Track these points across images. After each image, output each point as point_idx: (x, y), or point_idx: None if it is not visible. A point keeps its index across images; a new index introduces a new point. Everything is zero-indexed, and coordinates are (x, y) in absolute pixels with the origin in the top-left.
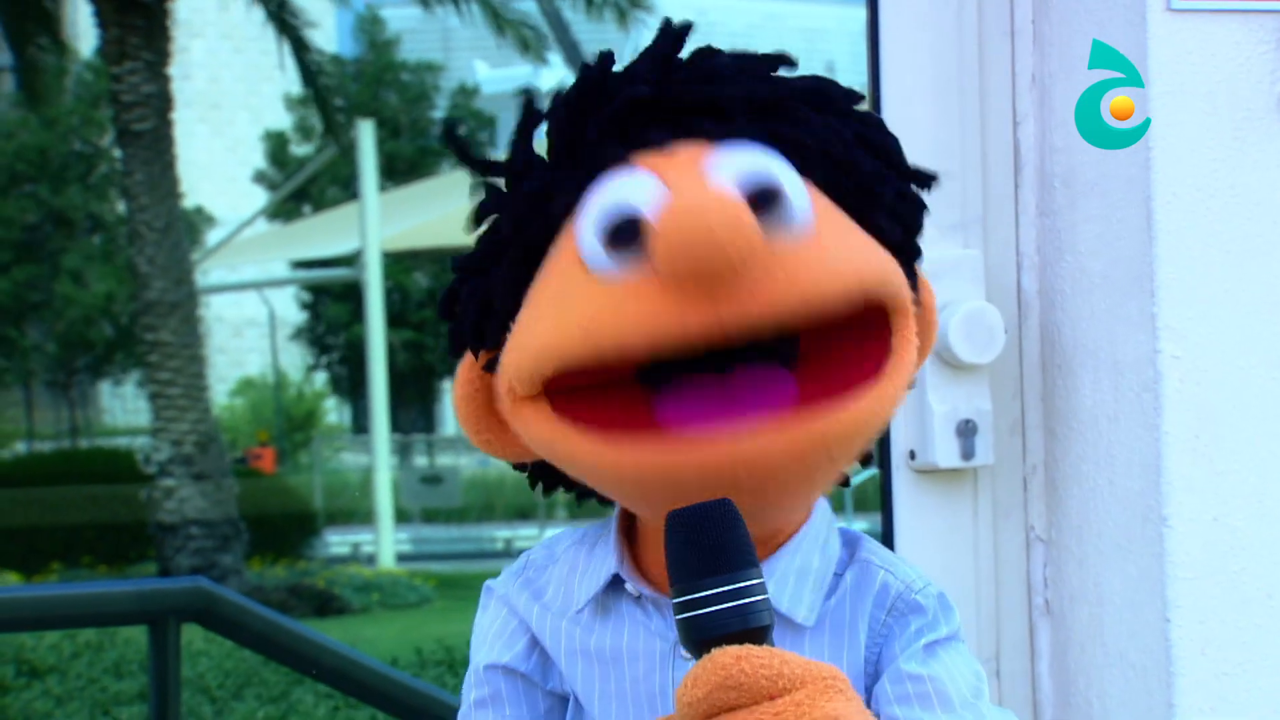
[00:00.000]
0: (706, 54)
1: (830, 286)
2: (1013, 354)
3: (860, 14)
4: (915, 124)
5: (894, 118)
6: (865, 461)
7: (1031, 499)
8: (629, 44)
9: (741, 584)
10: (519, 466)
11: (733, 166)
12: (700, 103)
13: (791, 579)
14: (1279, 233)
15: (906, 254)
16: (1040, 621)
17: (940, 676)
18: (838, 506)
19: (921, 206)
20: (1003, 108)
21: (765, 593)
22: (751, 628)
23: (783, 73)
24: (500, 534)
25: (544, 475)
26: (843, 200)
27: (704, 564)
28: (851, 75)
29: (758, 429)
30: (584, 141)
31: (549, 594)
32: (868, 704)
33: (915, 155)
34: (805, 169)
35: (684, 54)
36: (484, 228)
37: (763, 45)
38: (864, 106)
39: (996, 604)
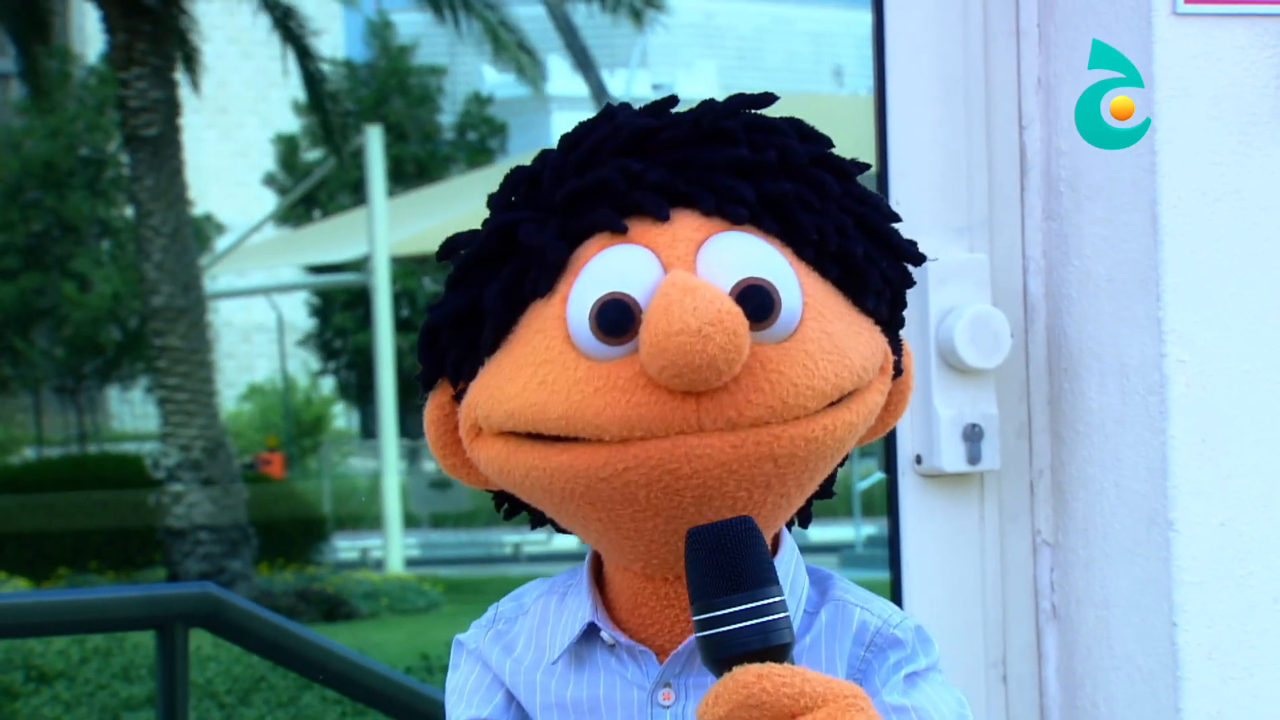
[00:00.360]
0: (711, 116)
1: (807, 395)
2: (1019, 358)
3: (869, 18)
4: (921, 127)
5: (900, 121)
6: (823, 494)
7: (1038, 503)
8: (637, 47)
9: (761, 602)
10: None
11: (729, 258)
12: (702, 176)
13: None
14: None
15: (892, 325)
16: (1047, 626)
17: (924, 706)
18: (845, 510)
19: (909, 283)
20: (1008, 111)
21: (785, 610)
22: (772, 645)
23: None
24: (509, 538)
25: (510, 499)
26: (832, 278)
27: (723, 582)
28: (859, 79)
29: (705, 430)
30: (582, 199)
31: (520, 647)
32: None
33: (921, 159)
34: (799, 251)
35: (687, 105)
36: (468, 264)
37: (771, 49)
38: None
39: (1003, 608)
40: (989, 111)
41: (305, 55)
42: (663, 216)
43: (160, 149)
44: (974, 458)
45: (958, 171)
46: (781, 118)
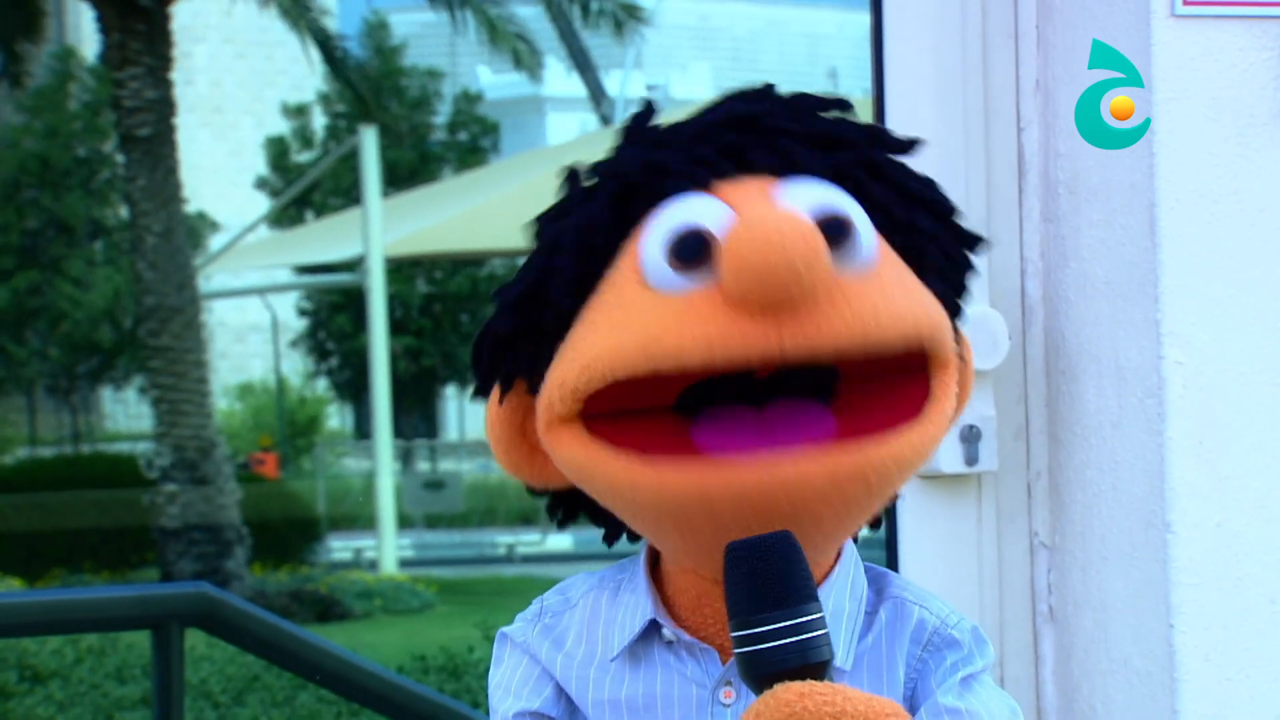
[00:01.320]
0: (775, 99)
1: (892, 327)
2: (1016, 360)
3: (862, 19)
4: (919, 129)
5: (898, 123)
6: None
7: (1035, 505)
8: (631, 48)
9: (802, 619)
10: (541, 492)
11: (802, 196)
12: (773, 145)
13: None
14: None
15: (950, 313)
16: (1044, 628)
17: (978, 711)
18: None
19: (970, 269)
20: (1006, 112)
21: (825, 627)
22: (812, 663)
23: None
24: (503, 539)
25: (566, 503)
26: (895, 247)
27: (765, 598)
28: (854, 81)
29: (799, 456)
30: (653, 167)
31: (570, 642)
32: None
33: (919, 160)
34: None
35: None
36: (529, 260)
37: (765, 51)
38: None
39: (1000, 610)
40: (987, 113)
41: (322, 36)
42: (729, 173)
43: (154, 148)
44: (971, 459)
45: (955, 173)
46: (833, 98)
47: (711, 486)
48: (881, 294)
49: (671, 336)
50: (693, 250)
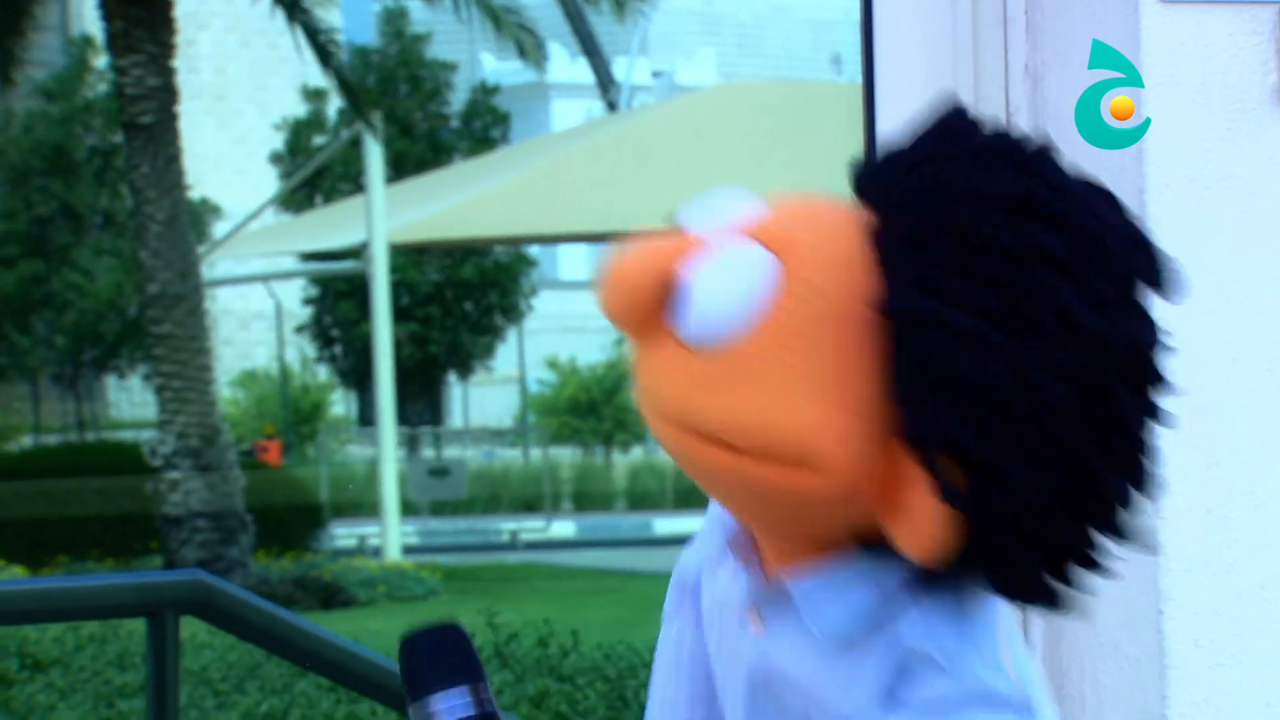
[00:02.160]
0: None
1: (668, 394)
2: None
3: None
4: (909, 114)
5: (888, 108)
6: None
7: None
8: (637, 34)
9: (459, 697)
10: None
11: (732, 257)
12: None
13: (812, 598)
14: (1272, 224)
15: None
16: (1033, 613)
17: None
18: None
19: None
20: (995, 98)
21: (480, 700)
22: None
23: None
24: (506, 525)
25: None
26: None
27: (423, 680)
28: (857, 67)
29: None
30: None
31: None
32: None
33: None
34: None
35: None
36: None
37: (770, 36)
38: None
39: None
40: (976, 99)
41: (312, 31)
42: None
43: (157, 136)
44: None
45: None
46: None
47: None
48: (680, 370)
49: None
50: None
